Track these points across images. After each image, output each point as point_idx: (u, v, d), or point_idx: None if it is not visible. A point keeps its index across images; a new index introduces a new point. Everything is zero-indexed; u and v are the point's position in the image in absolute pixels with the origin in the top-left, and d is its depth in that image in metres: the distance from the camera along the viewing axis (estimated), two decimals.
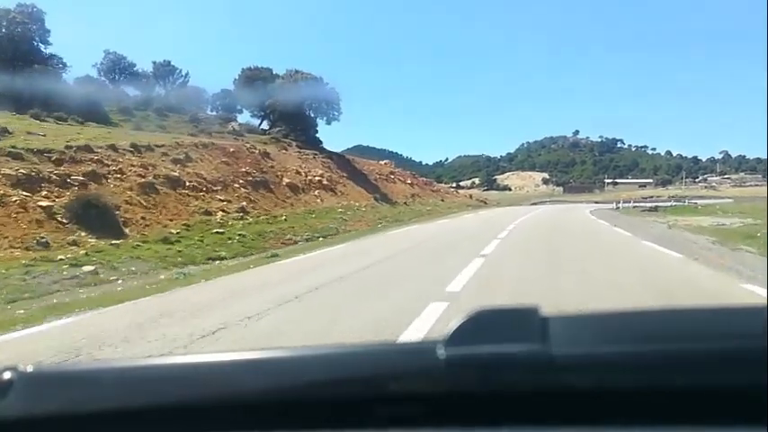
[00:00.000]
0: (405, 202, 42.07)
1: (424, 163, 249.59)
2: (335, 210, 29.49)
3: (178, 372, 0.78)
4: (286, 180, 29.28)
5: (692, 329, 0.72)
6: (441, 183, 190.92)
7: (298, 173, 31.66)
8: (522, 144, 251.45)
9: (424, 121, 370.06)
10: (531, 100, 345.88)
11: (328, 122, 41.63)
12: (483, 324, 0.70)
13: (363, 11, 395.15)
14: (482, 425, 0.66)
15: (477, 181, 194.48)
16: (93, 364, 0.99)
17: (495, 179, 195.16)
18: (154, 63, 40.71)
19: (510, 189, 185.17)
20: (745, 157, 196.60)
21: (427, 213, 39.04)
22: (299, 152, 36.80)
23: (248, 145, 30.43)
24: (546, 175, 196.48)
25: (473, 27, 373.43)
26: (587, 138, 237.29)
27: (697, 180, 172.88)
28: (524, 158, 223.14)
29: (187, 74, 42.30)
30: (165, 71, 40.79)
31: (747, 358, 0.64)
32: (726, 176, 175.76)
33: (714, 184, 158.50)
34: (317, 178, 33.07)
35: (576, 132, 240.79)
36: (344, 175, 38.55)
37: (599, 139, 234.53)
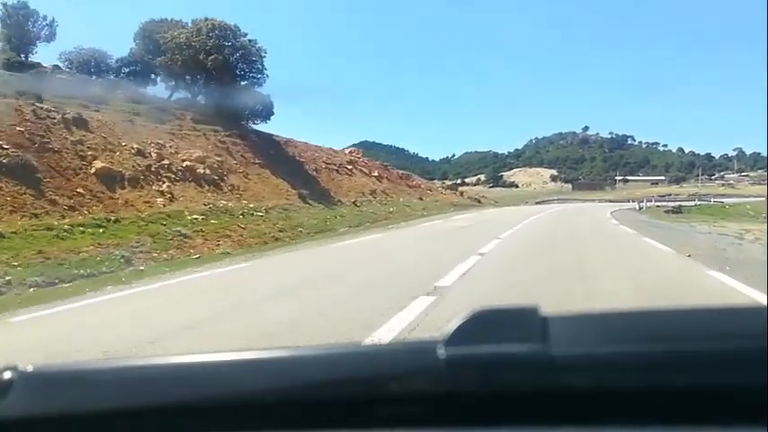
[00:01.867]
0: (355, 202, 28.81)
1: (430, 159, 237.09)
2: (184, 216, 16.32)
3: (178, 372, 0.74)
4: (99, 164, 16.16)
5: (692, 329, 0.69)
6: (445, 179, 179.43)
7: (140, 154, 18.46)
8: (531, 140, 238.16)
9: (432, 117, 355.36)
10: (540, 96, 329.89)
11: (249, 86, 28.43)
12: (483, 324, 0.67)
13: (370, 5, 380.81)
14: (482, 425, 0.63)
15: (482, 177, 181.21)
16: (94, 363, 0.93)
17: (502, 176, 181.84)
18: (4, 5, 27.73)
19: (517, 186, 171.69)
20: (760, 154, 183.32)
21: (385, 219, 25.84)
22: (181, 125, 23.66)
23: (44, 106, 17.25)
24: (554, 172, 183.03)
25: (482, 22, 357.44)
26: (597, 134, 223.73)
27: (713, 177, 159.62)
28: (532, 155, 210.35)
29: (53, 21, 29.24)
30: (20, 17, 27.78)
31: (747, 358, 0.61)
32: (744, 174, 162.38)
33: (732, 181, 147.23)
34: (185, 164, 19.91)
35: (586, 128, 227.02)
36: (258, 161, 25.37)
37: (609, 136, 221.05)
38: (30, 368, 0.73)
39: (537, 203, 55.94)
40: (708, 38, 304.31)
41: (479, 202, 48.60)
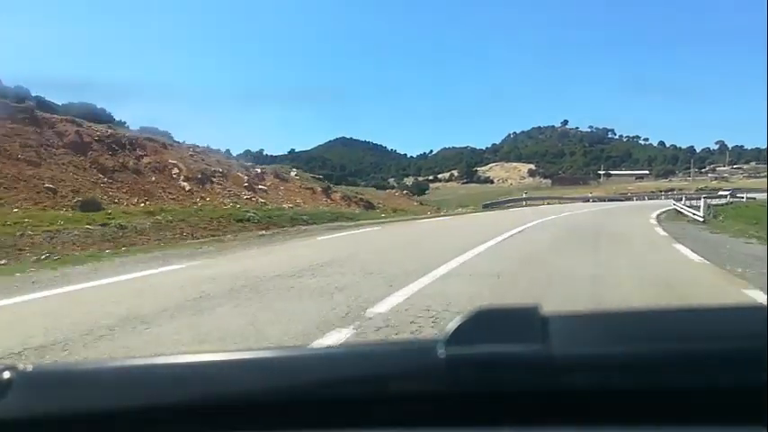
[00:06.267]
0: None
1: (409, 156, 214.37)
2: None
3: (178, 372, 0.69)
4: None
5: (692, 329, 0.64)
6: (418, 175, 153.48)
7: None
8: (509, 135, 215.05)
9: (410, 113, 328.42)
10: (518, 92, 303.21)
11: None
12: (483, 323, 0.63)
13: (348, 4, 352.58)
14: (482, 425, 0.59)
15: (455, 173, 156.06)
16: (94, 363, 0.92)
17: (476, 171, 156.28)
18: None
19: (492, 181, 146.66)
20: (743, 147, 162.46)
21: None
22: None
23: None
24: (532, 167, 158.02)
25: (461, 21, 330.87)
26: (577, 128, 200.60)
27: (704, 170, 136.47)
28: (510, 149, 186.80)
29: None
30: None
31: (747, 358, 0.57)
32: (736, 166, 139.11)
33: (725, 174, 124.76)
34: None
35: (565, 122, 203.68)
36: None
37: (589, 130, 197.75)
38: (29, 368, 0.68)
39: (487, 206, 29.11)
40: (688, 33, 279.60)
41: (370, 206, 22.06)
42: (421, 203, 31.15)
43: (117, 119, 43.30)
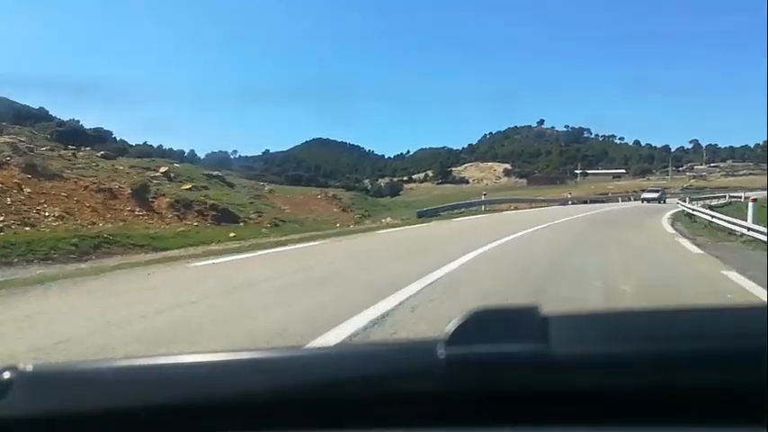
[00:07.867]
0: None
1: (386, 156, 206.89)
2: None
3: (178, 372, 0.68)
4: None
5: (692, 329, 0.63)
6: (395, 176, 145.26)
7: None
8: (485, 135, 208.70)
9: (387, 114, 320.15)
10: (496, 92, 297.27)
11: None
12: (483, 323, 0.62)
13: (325, 6, 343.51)
14: (482, 425, 0.58)
15: (430, 173, 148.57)
16: (94, 363, 0.86)
17: (451, 171, 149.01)
18: None
19: (467, 182, 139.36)
20: (716, 145, 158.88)
21: None
22: None
23: None
24: (508, 166, 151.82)
25: (438, 17, 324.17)
26: (552, 127, 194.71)
27: (681, 169, 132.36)
28: (486, 150, 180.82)
29: None
30: None
31: (747, 358, 0.56)
32: (713, 165, 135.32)
33: (704, 173, 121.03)
34: None
35: (541, 122, 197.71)
36: None
37: (565, 129, 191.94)
38: (29, 368, 0.67)
39: (424, 215, 20.63)
40: (663, 34, 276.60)
41: (232, 220, 13.69)
42: (344, 210, 22.87)
43: (60, 117, 34.53)
